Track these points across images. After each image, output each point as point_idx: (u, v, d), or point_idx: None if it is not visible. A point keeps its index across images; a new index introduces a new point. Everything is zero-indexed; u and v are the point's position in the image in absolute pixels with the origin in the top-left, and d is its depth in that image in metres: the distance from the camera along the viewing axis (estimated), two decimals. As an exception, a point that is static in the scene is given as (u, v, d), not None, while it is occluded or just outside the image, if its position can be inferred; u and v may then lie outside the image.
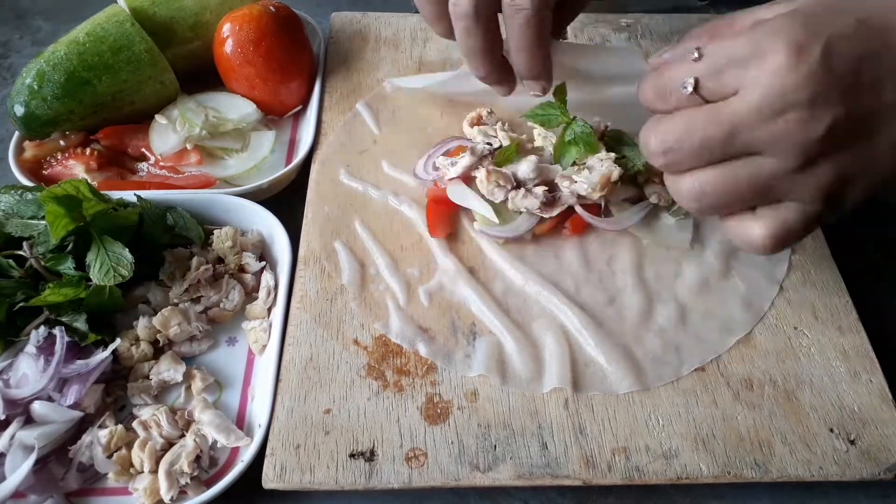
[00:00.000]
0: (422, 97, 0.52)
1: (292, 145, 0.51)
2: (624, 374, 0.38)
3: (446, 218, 0.45)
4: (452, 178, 0.44)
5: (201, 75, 0.52)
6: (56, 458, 0.36)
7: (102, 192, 0.42)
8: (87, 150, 0.48)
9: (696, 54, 0.31)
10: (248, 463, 0.35)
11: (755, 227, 0.32)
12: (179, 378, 0.39)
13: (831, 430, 0.37)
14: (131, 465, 0.36)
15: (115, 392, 0.39)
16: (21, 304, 0.38)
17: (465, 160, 0.43)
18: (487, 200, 0.43)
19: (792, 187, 0.31)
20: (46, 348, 0.37)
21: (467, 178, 0.44)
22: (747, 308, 0.41)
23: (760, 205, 0.32)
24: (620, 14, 0.59)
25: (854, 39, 0.29)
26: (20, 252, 0.40)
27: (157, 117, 0.49)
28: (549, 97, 0.42)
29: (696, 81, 0.30)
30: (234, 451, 0.37)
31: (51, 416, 0.36)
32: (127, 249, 0.39)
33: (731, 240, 0.35)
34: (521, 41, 0.38)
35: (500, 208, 0.43)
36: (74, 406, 0.36)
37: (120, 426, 0.36)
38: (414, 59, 0.55)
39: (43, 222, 0.40)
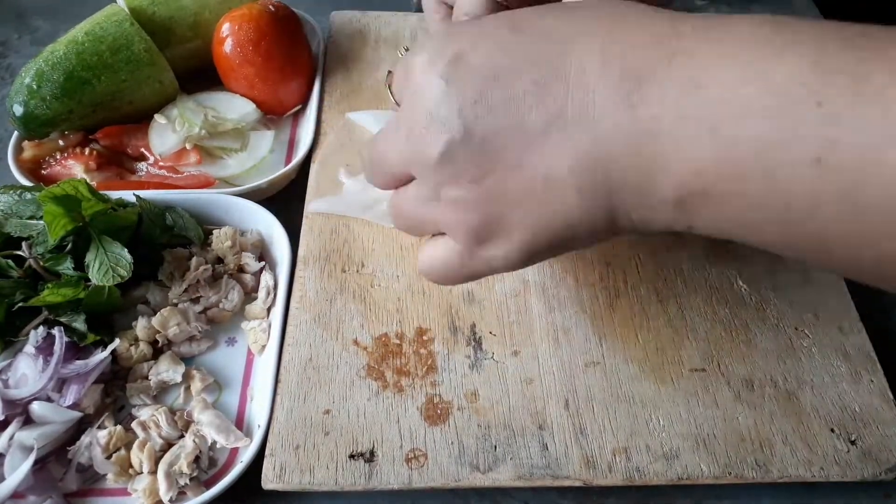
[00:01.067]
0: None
1: (292, 145, 0.51)
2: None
3: None
4: None
5: (201, 75, 0.52)
6: (55, 458, 0.36)
7: (101, 191, 0.42)
8: (86, 150, 0.48)
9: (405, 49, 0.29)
10: (248, 464, 0.35)
11: (420, 253, 0.32)
12: (178, 378, 0.39)
13: (832, 431, 0.36)
14: (130, 465, 0.35)
15: (114, 392, 0.39)
16: (20, 305, 0.38)
17: None
18: None
19: (435, 216, 0.28)
20: (45, 348, 0.37)
21: None
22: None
23: (420, 232, 0.31)
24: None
25: (494, 51, 0.26)
26: (19, 252, 0.40)
27: (157, 117, 0.49)
28: None
29: (391, 77, 0.30)
30: (234, 452, 0.37)
31: (50, 416, 0.36)
32: (126, 250, 0.39)
33: None
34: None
35: None
36: (73, 406, 0.36)
37: (119, 427, 0.36)
38: (414, 59, 0.55)
39: (42, 222, 0.39)
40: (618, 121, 0.24)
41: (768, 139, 0.21)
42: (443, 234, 0.30)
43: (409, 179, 0.30)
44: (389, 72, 0.31)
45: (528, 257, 0.28)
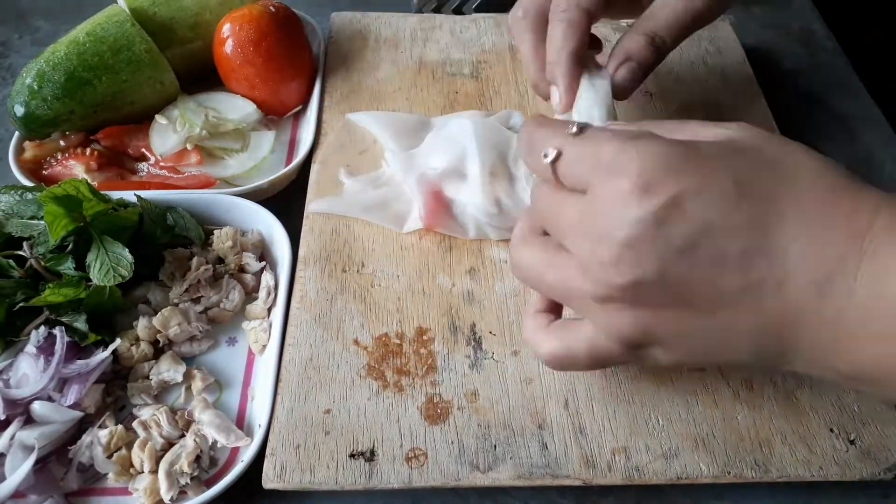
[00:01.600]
0: (420, 98, 0.52)
1: (292, 145, 0.51)
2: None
3: (442, 210, 0.44)
4: None
5: (201, 75, 0.52)
6: (56, 458, 0.36)
7: (102, 192, 0.42)
8: (87, 151, 0.48)
9: (574, 129, 0.28)
10: (248, 463, 0.35)
11: (545, 336, 0.32)
12: (179, 378, 0.39)
13: (831, 430, 0.37)
14: (131, 465, 0.36)
15: (115, 392, 0.39)
16: (21, 305, 0.38)
17: None
18: None
19: (589, 310, 0.29)
20: (46, 348, 0.37)
21: None
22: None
23: (565, 304, 0.31)
24: (620, 14, 0.59)
25: (713, 205, 0.25)
26: (20, 252, 0.40)
27: (158, 117, 0.49)
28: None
29: (558, 156, 0.28)
30: (234, 452, 0.37)
31: (51, 416, 0.36)
32: (127, 250, 0.39)
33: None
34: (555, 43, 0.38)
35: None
36: (74, 406, 0.36)
37: (120, 426, 0.36)
38: (414, 59, 0.55)
39: (43, 222, 0.40)
40: (804, 307, 0.25)
41: None
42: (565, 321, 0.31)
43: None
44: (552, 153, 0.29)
45: (678, 366, 0.30)
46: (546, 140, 0.29)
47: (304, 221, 0.45)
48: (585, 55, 0.39)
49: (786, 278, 0.25)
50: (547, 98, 0.40)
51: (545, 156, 0.28)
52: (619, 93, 0.39)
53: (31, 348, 0.37)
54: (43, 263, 0.39)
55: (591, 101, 0.38)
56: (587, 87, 0.38)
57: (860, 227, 0.25)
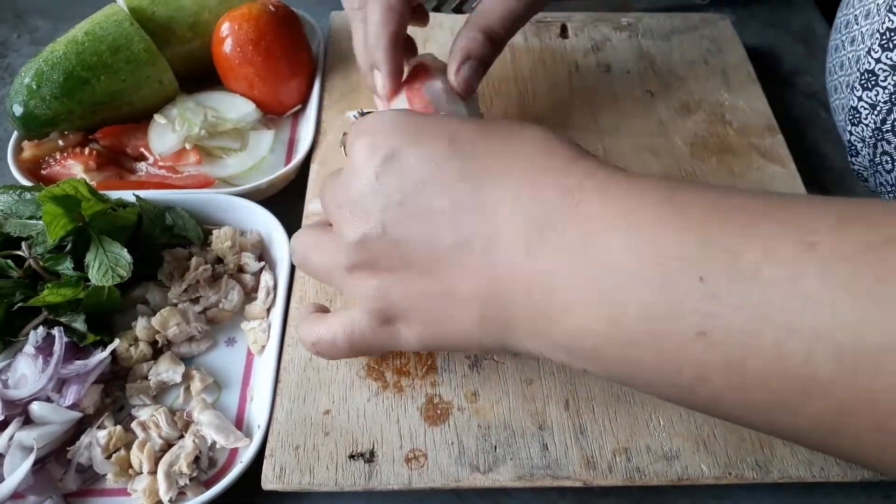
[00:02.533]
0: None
1: (291, 145, 0.51)
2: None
3: None
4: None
5: (200, 75, 0.52)
6: (55, 458, 0.36)
7: (101, 191, 0.42)
8: (86, 150, 0.48)
9: (353, 115, 0.32)
10: (248, 464, 0.35)
11: (310, 324, 0.33)
12: (178, 379, 0.39)
13: (832, 431, 0.36)
14: (130, 465, 0.35)
15: (114, 393, 0.38)
16: (19, 305, 0.38)
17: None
18: None
19: (345, 285, 0.30)
20: (45, 349, 0.37)
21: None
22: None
23: (330, 285, 0.33)
24: (621, 13, 0.59)
25: (426, 160, 0.27)
26: (19, 252, 0.40)
27: (156, 117, 0.49)
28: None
29: (345, 137, 0.31)
30: (234, 452, 0.37)
31: (49, 416, 0.36)
32: (125, 250, 0.38)
33: None
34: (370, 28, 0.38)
35: None
36: (73, 407, 0.36)
37: (119, 427, 0.36)
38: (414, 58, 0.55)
39: (41, 222, 0.39)
40: (516, 266, 0.25)
41: (654, 310, 0.22)
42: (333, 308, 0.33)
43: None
44: (344, 134, 0.32)
45: (425, 348, 0.30)
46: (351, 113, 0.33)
47: (304, 221, 0.45)
48: (409, 45, 0.40)
49: (495, 236, 0.25)
50: (374, 90, 0.40)
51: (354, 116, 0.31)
52: (464, 91, 0.39)
53: (29, 349, 0.37)
54: (41, 263, 0.39)
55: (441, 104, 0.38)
56: (430, 93, 0.38)
57: (569, 187, 0.25)
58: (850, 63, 0.45)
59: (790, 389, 0.21)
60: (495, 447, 0.35)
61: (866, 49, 0.42)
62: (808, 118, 0.55)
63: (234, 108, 0.50)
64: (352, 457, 0.35)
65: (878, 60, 0.41)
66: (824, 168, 0.52)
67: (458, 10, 0.61)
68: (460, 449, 0.35)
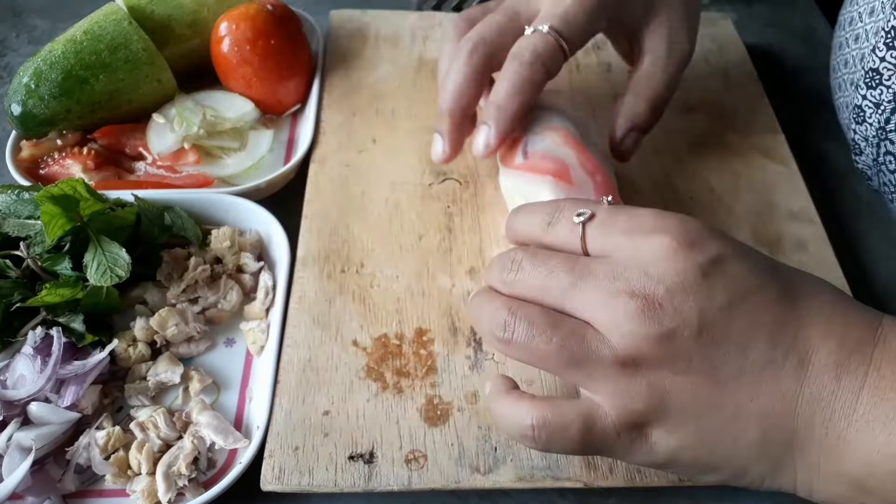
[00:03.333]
0: (420, 97, 0.52)
1: (291, 144, 0.51)
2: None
3: None
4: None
5: (199, 74, 0.51)
6: (53, 459, 0.36)
7: (99, 191, 0.42)
8: (85, 150, 0.47)
9: (609, 198, 0.30)
10: (247, 465, 0.35)
11: (528, 403, 0.28)
12: (177, 379, 0.38)
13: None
14: (129, 466, 0.35)
15: (113, 393, 0.38)
16: (18, 305, 0.38)
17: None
18: None
19: (597, 378, 0.26)
20: (43, 349, 0.37)
21: None
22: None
23: (563, 377, 0.28)
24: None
25: (753, 272, 0.27)
26: (17, 252, 0.40)
27: (155, 116, 0.49)
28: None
29: (592, 216, 0.28)
30: (233, 453, 0.36)
31: (48, 417, 0.36)
32: (124, 250, 0.38)
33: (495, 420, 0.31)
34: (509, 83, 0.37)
35: None
36: (72, 407, 0.36)
37: (117, 427, 0.36)
38: (413, 58, 0.55)
39: (40, 222, 0.39)
40: (823, 386, 0.25)
41: None
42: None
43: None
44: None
45: (669, 461, 0.27)
46: (577, 206, 0.29)
47: (303, 221, 0.45)
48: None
49: (809, 355, 0.26)
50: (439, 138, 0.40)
51: (579, 216, 0.28)
52: (622, 159, 0.41)
53: (27, 349, 0.37)
54: (40, 263, 0.39)
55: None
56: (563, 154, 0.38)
57: (873, 320, 0.27)
58: (854, 61, 0.45)
59: None
60: (495, 448, 0.35)
61: (871, 47, 0.42)
62: (810, 117, 0.55)
63: (233, 107, 0.50)
64: (351, 458, 0.35)
65: (882, 59, 0.40)
66: (826, 168, 0.52)
67: (457, 8, 0.60)
68: (460, 450, 0.35)
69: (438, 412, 0.37)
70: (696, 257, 0.26)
